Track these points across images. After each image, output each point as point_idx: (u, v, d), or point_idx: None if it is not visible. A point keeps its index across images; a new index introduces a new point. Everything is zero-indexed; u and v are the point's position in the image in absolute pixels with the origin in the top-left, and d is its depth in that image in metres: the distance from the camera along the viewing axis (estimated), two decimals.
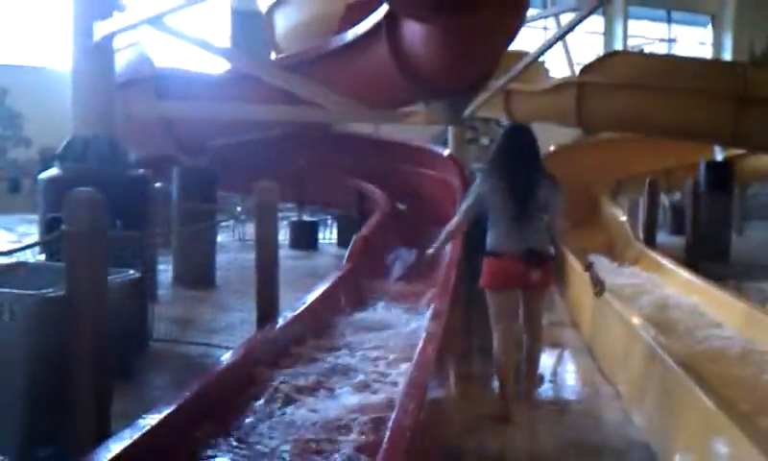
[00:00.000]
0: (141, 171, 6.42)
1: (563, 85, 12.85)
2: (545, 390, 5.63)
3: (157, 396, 4.88)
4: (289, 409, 3.74)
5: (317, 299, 5.69)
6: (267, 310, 5.94)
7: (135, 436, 2.84)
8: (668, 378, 4.44)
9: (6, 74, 20.40)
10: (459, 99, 7.90)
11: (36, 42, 20.86)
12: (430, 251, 5.15)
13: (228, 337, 6.62)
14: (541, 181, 4.89)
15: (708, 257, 11.51)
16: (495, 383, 5.18)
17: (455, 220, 5.12)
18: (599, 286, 4.95)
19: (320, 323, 5.40)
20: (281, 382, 4.04)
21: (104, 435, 3.75)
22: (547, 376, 5.87)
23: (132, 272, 4.54)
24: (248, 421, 3.60)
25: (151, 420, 3.02)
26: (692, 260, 10.76)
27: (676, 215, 16.76)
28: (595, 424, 4.89)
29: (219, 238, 11.74)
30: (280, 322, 5.01)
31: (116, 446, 2.76)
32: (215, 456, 3.18)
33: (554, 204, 4.92)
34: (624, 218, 11.88)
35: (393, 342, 5.17)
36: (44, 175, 6.15)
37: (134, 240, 5.54)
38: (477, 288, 5.14)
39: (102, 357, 3.81)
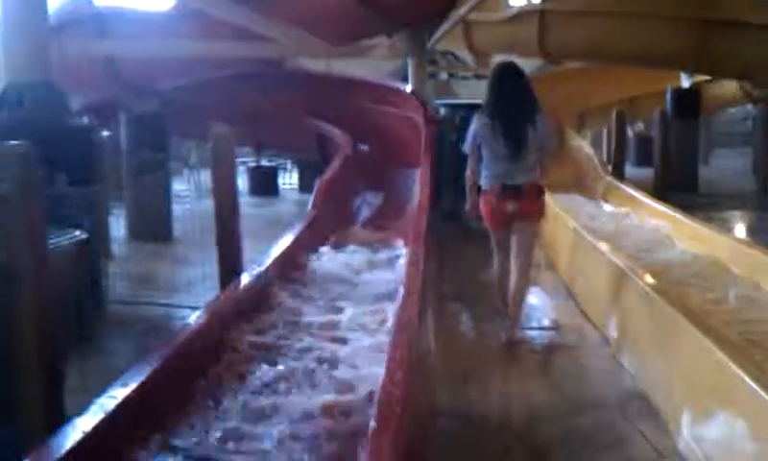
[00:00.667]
0: (85, 119, 5.89)
1: (523, 14, 12.37)
2: (529, 336, 5.37)
3: (119, 363, 4.48)
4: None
5: (286, 249, 5.30)
6: (230, 265, 5.57)
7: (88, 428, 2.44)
8: (664, 321, 4.16)
9: None
10: (421, 29, 7.45)
11: None
12: (468, 203, 5.40)
13: (190, 295, 6.19)
14: (536, 117, 5.07)
15: (676, 188, 11.34)
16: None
17: (468, 166, 5.33)
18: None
19: (289, 276, 5.02)
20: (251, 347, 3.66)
21: (55, 413, 3.39)
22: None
23: (78, 232, 4.08)
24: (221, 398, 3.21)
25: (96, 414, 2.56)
26: (661, 192, 10.59)
27: (640, 146, 16.57)
28: (585, 373, 4.63)
29: (175, 188, 11.23)
30: (245, 279, 4.60)
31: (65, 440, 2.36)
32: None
33: (547, 141, 5.18)
34: (591, 151, 11.58)
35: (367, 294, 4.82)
36: None
37: (80, 196, 5.06)
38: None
39: (47, 328, 3.40)
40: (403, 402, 2.70)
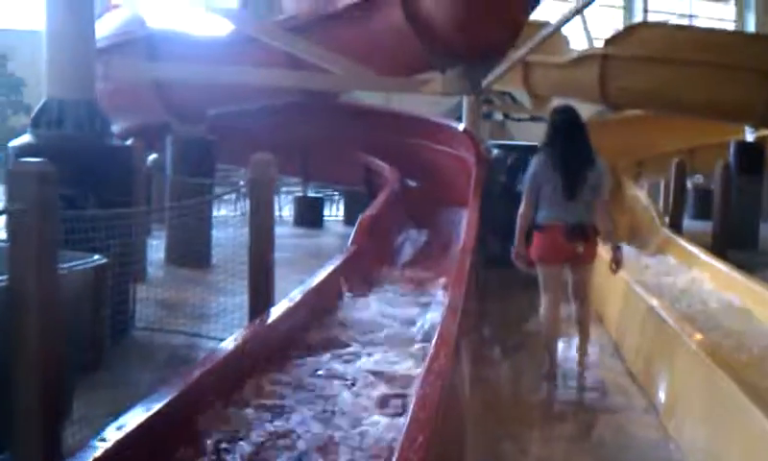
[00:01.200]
0: (126, 140, 5.78)
1: (585, 58, 12.16)
2: (571, 393, 5.02)
3: (130, 394, 4.27)
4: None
5: (315, 287, 5.04)
6: (261, 297, 5.36)
7: None
8: (720, 395, 3.79)
9: (7, 39, 19.71)
10: (477, 66, 7.22)
11: (37, 5, 20.14)
12: (517, 248, 5.55)
13: (218, 325, 5.98)
14: (594, 161, 5.36)
15: (735, 245, 10.83)
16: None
17: (522, 207, 5.45)
18: (617, 266, 5.57)
19: (317, 315, 4.76)
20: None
21: (52, 448, 3.18)
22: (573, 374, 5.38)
23: (97, 256, 3.90)
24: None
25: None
26: (720, 248, 10.10)
27: (698, 198, 16.00)
28: (629, 442, 4.26)
29: (222, 212, 11.14)
30: (272, 317, 4.34)
31: None
32: None
33: (603, 186, 5.43)
34: (648, 202, 11.15)
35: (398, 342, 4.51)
36: (14, 142, 5.50)
37: (110, 218, 4.90)
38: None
39: (52, 356, 3.19)
40: None
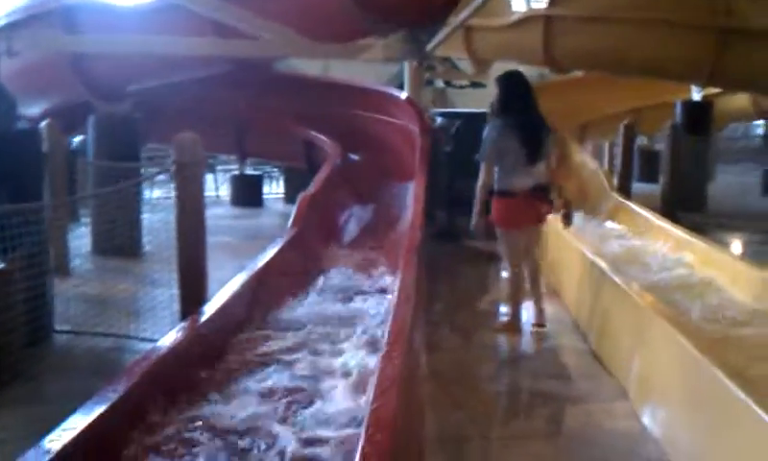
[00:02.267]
0: (44, 123, 5.19)
1: (528, 20, 11.75)
2: (533, 380, 4.67)
3: (48, 413, 3.77)
4: None
5: (252, 277, 4.57)
6: (192, 291, 4.89)
7: None
8: (699, 378, 3.46)
9: None
10: (419, 31, 6.79)
11: None
12: (475, 218, 5.52)
13: (150, 324, 5.46)
14: (543, 125, 5.50)
15: (684, 206, 10.67)
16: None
17: (482, 175, 5.44)
18: (568, 221, 5.78)
19: (256, 309, 4.31)
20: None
21: None
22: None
23: None
24: None
25: None
26: (670, 211, 9.92)
27: (644, 161, 15.86)
28: (600, 436, 3.90)
29: (156, 194, 10.52)
30: (204, 315, 3.87)
31: None
32: None
33: (550, 150, 5.58)
34: (596, 166, 10.87)
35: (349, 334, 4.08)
36: None
37: (22, 212, 4.35)
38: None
39: None
40: None
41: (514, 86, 5.51)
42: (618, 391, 4.46)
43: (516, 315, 5.60)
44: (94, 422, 2.53)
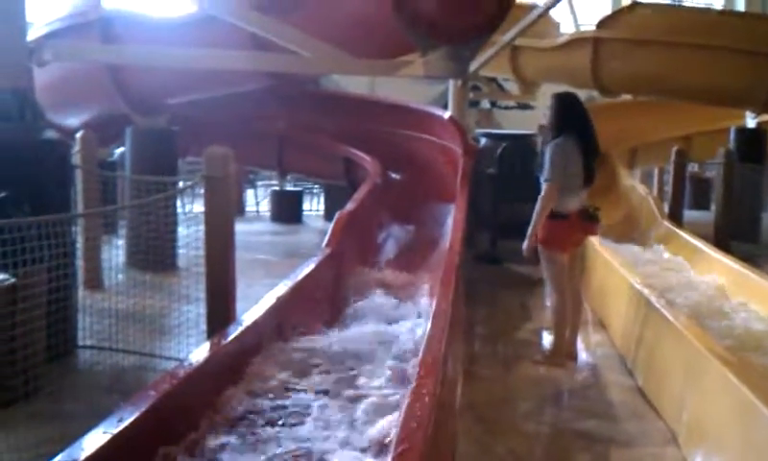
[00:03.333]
0: (59, 135, 5.07)
1: (576, 41, 11.57)
2: (576, 420, 4.36)
3: (59, 434, 3.60)
4: None
5: (282, 298, 4.35)
6: (219, 310, 4.72)
7: None
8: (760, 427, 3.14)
9: None
10: (462, 48, 6.55)
11: None
12: (528, 238, 5.29)
13: (176, 342, 5.28)
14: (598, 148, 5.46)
15: (737, 236, 10.22)
16: None
17: (547, 191, 5.20)
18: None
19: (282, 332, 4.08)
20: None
21: None
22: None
23: (2, 277, 3.20)
24: None
25: None
26: (723, 240, 9.49)
27: (695, 188, 15.38)
28: None
29: (196, 208, 10.42)
30: (228, 337, 3.66)
31: None
32: None
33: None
34: (646, 192, 10.50)
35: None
36: None
37: (47, 225, 4.20)
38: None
39: None
40: None
41: (572, 106, 5.40)
42: (667, 435, 4.14)
43: (560, 346, 5.37)
44: (99, 449, 2.34)
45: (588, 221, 5.35)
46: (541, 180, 5.25)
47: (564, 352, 5.37)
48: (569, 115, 5.32)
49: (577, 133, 5.26)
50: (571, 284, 5.46)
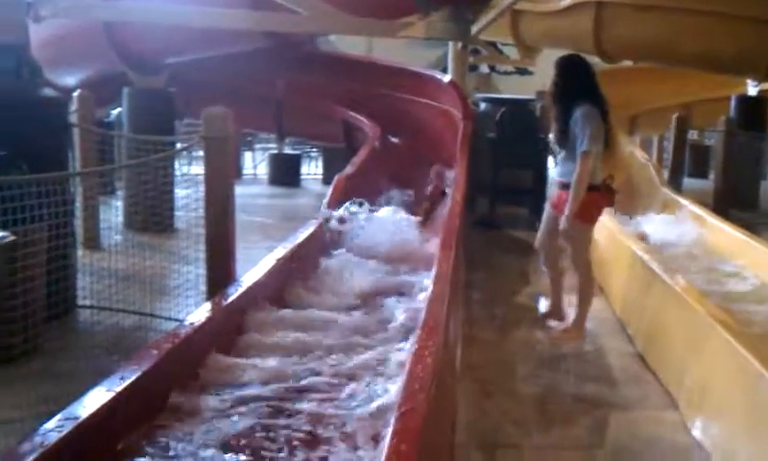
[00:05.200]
0: (56, 93, 5.00)
1: (578, 6, 11.36)
2: (576, 384, 4.37)
3: (62, 390, 3.58)
4: None
5: (282, 258, 4.32)
6: (218, 271, 4.70)
7: None
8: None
9: None
10: (465, 9, 6.48)
11: None
12: (572, 212, 4.95)
13: (175, 303, 5.27)
14: None
15: (736, 204, 10.20)
16: None
17: (588, 161, 4.89)
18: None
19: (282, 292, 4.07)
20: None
21: None
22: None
23: (0, 234, 3.17)
24: None
25: None
26: (722, 208, 9.47)
27: (694, 156, 15.32)
28: (648, 448, 3.61)
29: (193, 170, 10.37)
30: (230, 295, 3.64)
31: None
32: None
33: None
34: (646, 159, 10.45)
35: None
36: None
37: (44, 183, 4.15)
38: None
39: None
40: None
41: (585, 69, 5.12)
42: (667, 399, 4.15)
43: (583, 321, 5.26)
44: (101, 408, 2.32)
45: (608, 192, 5.22)
46: (580, 149, 4.87)
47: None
48: (585, 79, 5.05)
49: (600, 98, 5.03)
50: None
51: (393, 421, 2.29)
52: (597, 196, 5.07)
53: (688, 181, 13.18)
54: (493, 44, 16.18)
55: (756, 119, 11.51)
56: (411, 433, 2.20)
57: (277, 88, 10.55)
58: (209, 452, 2.38)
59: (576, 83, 5.02)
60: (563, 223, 5.03)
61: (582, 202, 4.95)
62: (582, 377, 4.48)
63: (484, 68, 18.51)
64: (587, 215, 5.08)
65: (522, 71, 17.12)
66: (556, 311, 5.54)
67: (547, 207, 5.52)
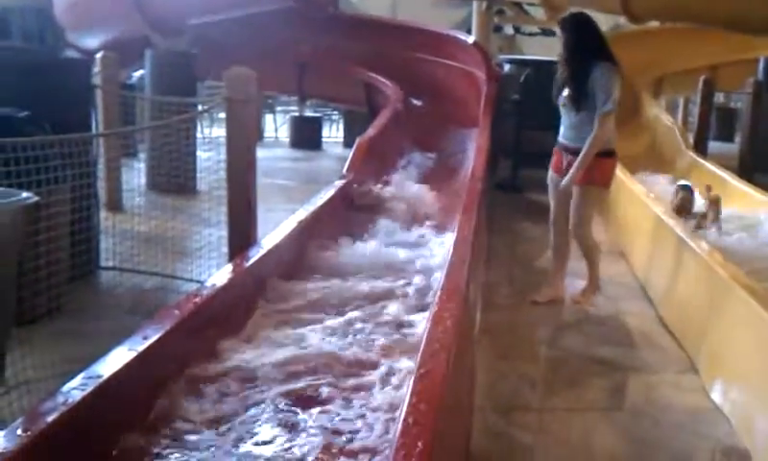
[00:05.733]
0: (79, 55, 5.01)
1: None
2: (595, 348, 4.37)
3: (80, 354, 3.64)
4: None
5: (304, 221, 4.33)
6: (240, 233, 4.71)
7: None
8: None
9: None
10: None
11: None
12: (577, 172, 4.79)
13: (197, 265, 5.31)
14: None
15: (763, 168, 10.06)
16: None
17: (608, 123, 4.72)
18: None
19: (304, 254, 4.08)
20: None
21: None
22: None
23: (25, 195, 3.20)
24: None
25: None
26: (747, 172, 9.35)
27: (720, 119, 15.09)
28: (666, 413, 3.60)
29: (216, 133, 10.40)
30: (252, 257, 3.66)
31: None
32: None
33: None
34: (672, 122, 10.32)
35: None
36: None
37: (66, 144, 4.18)
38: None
39: None
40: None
41: (594, 26, 4.93)
42: (686, 363, 4.15)
43: (597, 280, 5.19)
44: (123, 367, 2.36)
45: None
46: (604, 108, 4.65)
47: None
48: (599, 37, 4.89)
49: (611, 57, 4.82)
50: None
51: (411, 381, 2.30)
52: (614, 161, 4.96)
53: (713, 145, 13.01)
54: (518, 4, 15.99)
55: None
56: (430, 394, 2.21)
57: (300, 51, 10.49)
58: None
59: (591, 41, 4.83)
60: (565, 183, 4.87)
61: (604, 167, 4.82)
62: (601, 340, 4.48)
63: (509, 29, 18.26)
64: (607, 181, 4.93)
65: (547, 32, 16.86)
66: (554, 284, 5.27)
67: (553, 176, 5.20)
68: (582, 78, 4.77)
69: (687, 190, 6.47)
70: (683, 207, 6.23)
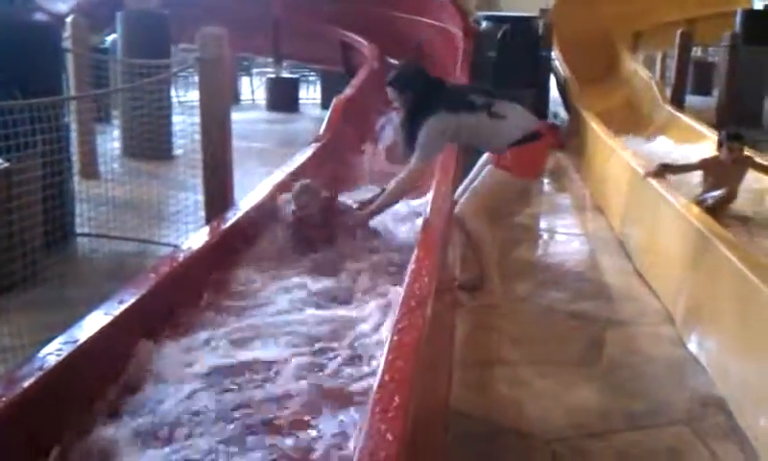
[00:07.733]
0: (48, 18, 4.91)
1: None
2: (573, 302, 4.39)
3: (58, 321, 3.61)
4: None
5: (279, 184, 4.30)
6: (216, 197, 4.67)
7: None
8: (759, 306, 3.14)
9: None
10: None
11: None
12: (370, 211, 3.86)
13: (173, 230, 5.26)
14: None
15: (740, 122, 10.08)
16: None
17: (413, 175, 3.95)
18: None
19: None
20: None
21: None
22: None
23: None
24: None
25: None
26: (725, 125, 9.35)
27: (697, 72, 15.10)
28: (643, 365, 3.63)
29: (190, 96, 10.26)
30: (228, 220, 3.64)
31: None
32: None
33: None
34: (649, 76, 10.30)
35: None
36: None
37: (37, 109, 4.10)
38: None
39: None
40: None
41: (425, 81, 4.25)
42: (663, 315, 4.18)
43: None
44: (102, 330, 2.34)
45: (550, 131, 4.91)
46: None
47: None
48: (425, 91, 4.16)
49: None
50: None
51: (389, 337, 2.30)
52: (540, 146, 4.19)
53: (691, 99, 13.03)
54: None
55: (761, 34, 11.27)
56: (407, 349, 2.21)
57: (274, 10, 10.36)
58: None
59: (421, 98, 4.10)
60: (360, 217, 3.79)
61: (521, 154, 4.09)
62: (579, 295, 4.50)
63: None
64: (524, 169, 4.17)
65: None
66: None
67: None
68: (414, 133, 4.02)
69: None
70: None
